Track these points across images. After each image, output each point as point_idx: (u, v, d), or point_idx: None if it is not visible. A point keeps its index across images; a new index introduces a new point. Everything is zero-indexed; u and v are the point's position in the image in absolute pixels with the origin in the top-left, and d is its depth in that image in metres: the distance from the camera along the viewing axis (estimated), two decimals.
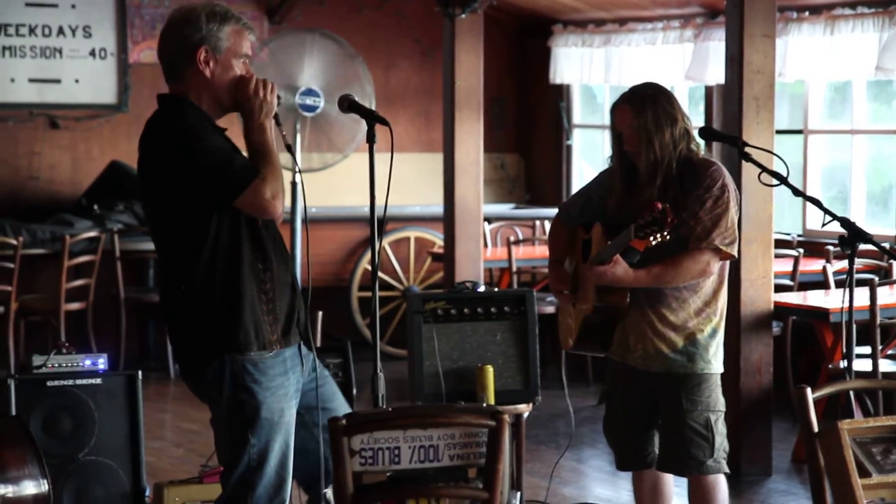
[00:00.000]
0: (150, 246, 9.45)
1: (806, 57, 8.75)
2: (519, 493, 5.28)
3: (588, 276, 4.62)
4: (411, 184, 10.50)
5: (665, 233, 4.35)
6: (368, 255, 9.88)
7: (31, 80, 9.92)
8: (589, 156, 11.02)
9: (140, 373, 5.61)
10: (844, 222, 4.47)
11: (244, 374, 3.99)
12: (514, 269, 9.08)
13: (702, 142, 4.79)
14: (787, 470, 7.04)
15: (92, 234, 9.20)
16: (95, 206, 9.58)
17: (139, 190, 4.16)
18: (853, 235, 4.43)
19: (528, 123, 11.40)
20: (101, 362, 5.56)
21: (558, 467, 6.54)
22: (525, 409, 5.42)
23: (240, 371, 3.99)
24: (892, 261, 7.51)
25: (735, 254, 4.65)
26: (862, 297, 6.56)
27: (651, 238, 4.35)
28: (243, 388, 3.99)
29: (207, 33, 4.00)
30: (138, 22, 10.13)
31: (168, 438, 7.75)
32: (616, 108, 4.72)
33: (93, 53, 9.98)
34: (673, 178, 4.62)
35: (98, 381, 5.50)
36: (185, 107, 4.04)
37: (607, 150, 4.94)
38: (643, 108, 4.63)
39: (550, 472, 6.41)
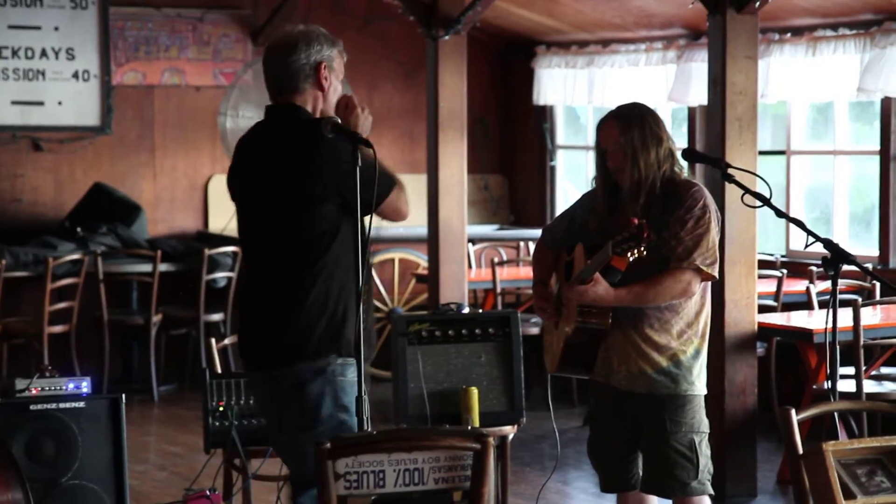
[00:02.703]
0: (134, 268, 9.45)
1: (788, 78, 8.78)
2: None
3: (570, 297, 4.62)
4: None
5: (642, 248, 4.36)
6: None
7: (14, 103, 9.91)
8: (573, 177, 11.04)
9: (123, 396, 5.60)
10: (827, 243, 4.48)
11: (345, 378, 4.17)
12: (499, 290, 9.08)
13: (685, 163, 4.80)
14: (772, 491, 7.04)
15: (75, 256, 9.18)
16: (79, 229, 9.56)
17: (264, 180, 4.24)
18: (836, 256, 4.44)
19: (511, 144, 11.42)
20: (85, 385, 5.54)
21: (544, 489, 6.53)
22: (510, 430, 5.42)
23: (341, 374, 4.17)
24: (875, 281, 7.53)
25: (716, 274, 4.66)
26: (846, 317, 6.58)
27: (629, 254, 4.36)
28: (342, 393, 4.15)
29: (327, 53, 4.30)
30: (121, 44, 10.12)
31: (152, 461, 7.72)
32: (602, 125, 4.72)
33: (76, 75, 9.97)
34: (656, 197, 4.63)
35: (81, 404, 5.48)
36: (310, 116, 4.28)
37: (591, 171, 4.96)
38: (630, 125, 4.64)
39: (536, 494, 6.40)
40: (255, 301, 4.32)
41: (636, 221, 4.37)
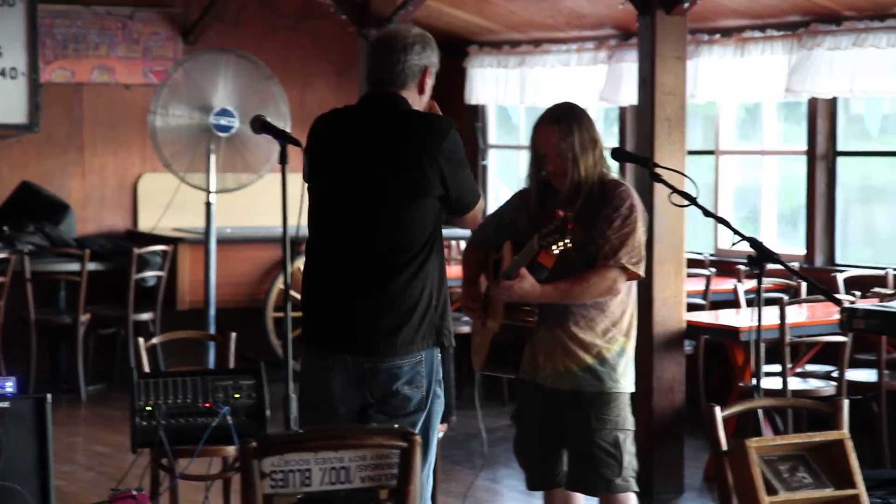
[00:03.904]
0: (62, 267, 9.36)
1: (717, 79, 8.86)
2: None
3: (497, 293, 4.63)
4: None
5: (567, 240, 4.37)
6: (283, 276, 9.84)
7: None
8: (504, 176, 11.07)
9: (50, 396, 5.53)
10: (753, 242, 4.53)
11: (439, 368, 4.30)
12: None
13: (615, 163, 4.83)
14: (700, 488, 7.10)
15: (2, 255, 9.06)
16: (6, 228, 9.45)
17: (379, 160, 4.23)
18: (761, 255, 4.49)
19: None
20: (10, 385, 5.47)
21: (473, 487, 6.55)
22: (440, 429, 5.41)
23: (438, 365, 4.29)
24: (800, 280, 7.61)
25: (642, 273, 4.69)
26: (772, 315, 6.65)
27: (554, 247, 4.38)
28: (438, 382, 4.29)
29: (434, 60, 4.40)
30: (50, 42, 10.02)
31: (79, 462, 7.65)
32: (540, 129, 4.73)
33: (3, 73, 9.84)
34: (593, 198, 4.66)
35: (6, 404, 5.40)
36: None
37: (523, 171, 4.97)
38: (571, 130, 4.65)
39: (465, 492, 6.41)
40: (347, 287, 4.24)
41: (561, 214, 4.39)
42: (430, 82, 4.35)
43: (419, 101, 4.34)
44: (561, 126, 4.66)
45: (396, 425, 4.10)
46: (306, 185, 4.35)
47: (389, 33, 4.36)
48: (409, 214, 4.20)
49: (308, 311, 4.34)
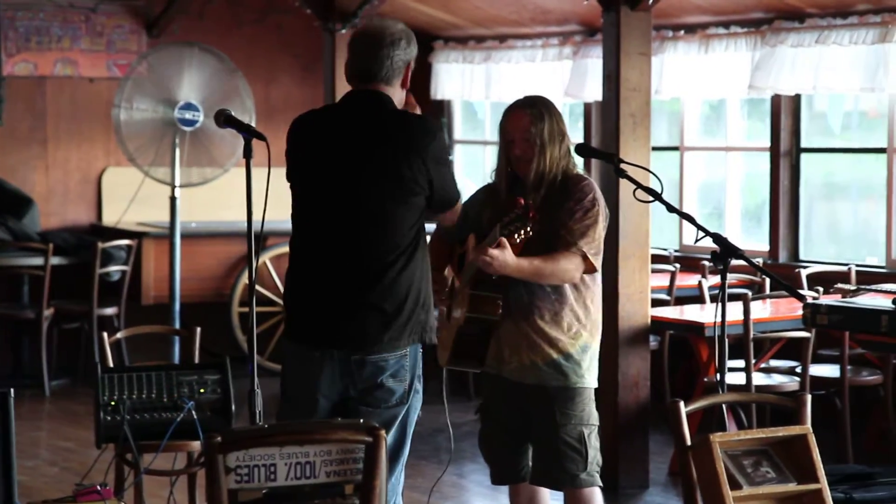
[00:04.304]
0: (25, 261, 9.31)
1: (681, 75, 8.89)
2: None
3: (479, 260, 4.54)
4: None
5: (528, 228, 4.39)
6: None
7: None
8: (470, 171, 11.08)
9: (13, 390, 5.49)
10: (717, 238, 4.55)
11: (420, 363, 4.36)
12: None
13: (580, 159, 4.85)
14: (664, 483, 7.13)
15: None
16: None
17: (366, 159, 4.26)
18: (725, 251, 4.50)
19: None
20: None
21: (439, 482, 6.55)
22: None
23: (419, 361, 4.36)
24: (764, 276, 7.65)
25: (598, 266, 4.71)
26: (736, 311, 6.68)
27: (516, 235, 4.40)
28: (418, 378, 4.36)
29: (414, 54, 4.41)
30: (12, 34, 9.95)
31: (42, 457, 7.61)
32: (512, 114, 4.74)
33: None
34: (556, 190, 4.67)
35: None
36: None
37: (489, 166, 4.97)
38: (542, 117, 4.68)
39: (431, 487, 6.41)
40: (336, 285, 4.27)
41: (522, 202, 4.41)
42: (409, 74, 4.39)
43: (400, 95, 4.38)
44: (533, 111, 4.69)
45: (379, 416, 4.22)
46: (289, 184, 4.38)
47: (375, 28, 4.37)
48: (398, 213, 4.25)
49: (294, 308, 4.37)
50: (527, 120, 4.68)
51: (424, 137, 4.27)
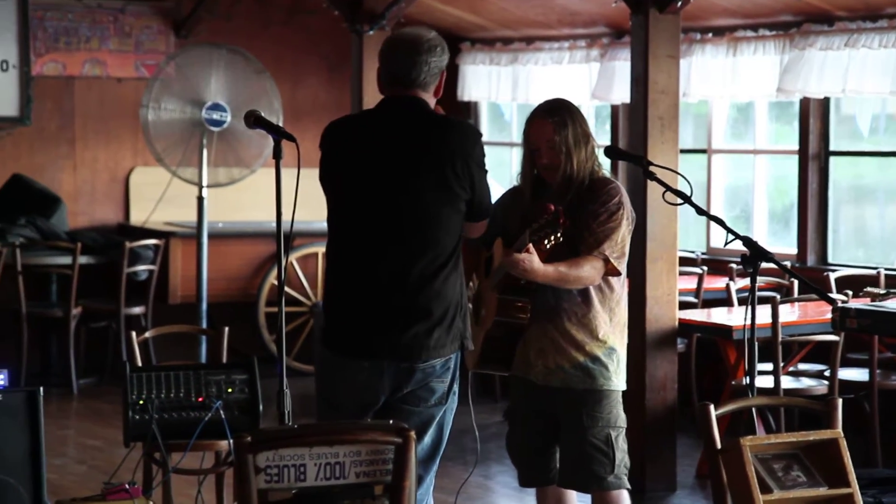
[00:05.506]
0: (53, 260, 9.34)
1: (709, 78, 8.87)
2: None
3: (508, 263, 4.53)
4: (319, 199, 10.39)
5: (558, 234, 4.38)
6: (276, 271, 9.83)
7: None
8: (496, 173, 11.05)
9: (42, 389, 5.52)
10: (746, 241, 4.54)
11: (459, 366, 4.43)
12: None
13: (607, 161, 4.83)
14: (692, 486, 7.11)
15: None
16: None
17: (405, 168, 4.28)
18: (755, 254, 4.49)
19: None
20: (1, 378, 5.46)
21: (466, 484, 6.54)
22: None
23: (458, 365, 4.42)
24: (793, 279, 7.62)
25: (622, 270, 4.70)
26: (764, 314, 6.67)
27: (545, 241, 4.39)
28: (457, 381, 4.42)
29: (447, 62, 4.44)
30: (41, 34, 10.00)
31: (71, 455, 7.64)
32: (534, 122, 4.73)
33: None
34: (582, 194, 4.67)
35: None
36: None
37: (515, 168, 4.98)
38: (564, 124, 4.66)
39: (457, 488, 6.41)
40: (385, 293, 4.27)
41: (552, 208, 4.40)
42: (442, 84, 4.43)
43: (433, 102, 4.41)
44: (555, 119, 4.67)
45: (418, 416, 4.31)
46: (323, 190, 4.40)
47: (412, 35, 4.38)
48: (444, 217, 4.26)
49: (340, 319, 4.36)
50: (550, 129, 4.67)
51: (468, 141, 4.30)
